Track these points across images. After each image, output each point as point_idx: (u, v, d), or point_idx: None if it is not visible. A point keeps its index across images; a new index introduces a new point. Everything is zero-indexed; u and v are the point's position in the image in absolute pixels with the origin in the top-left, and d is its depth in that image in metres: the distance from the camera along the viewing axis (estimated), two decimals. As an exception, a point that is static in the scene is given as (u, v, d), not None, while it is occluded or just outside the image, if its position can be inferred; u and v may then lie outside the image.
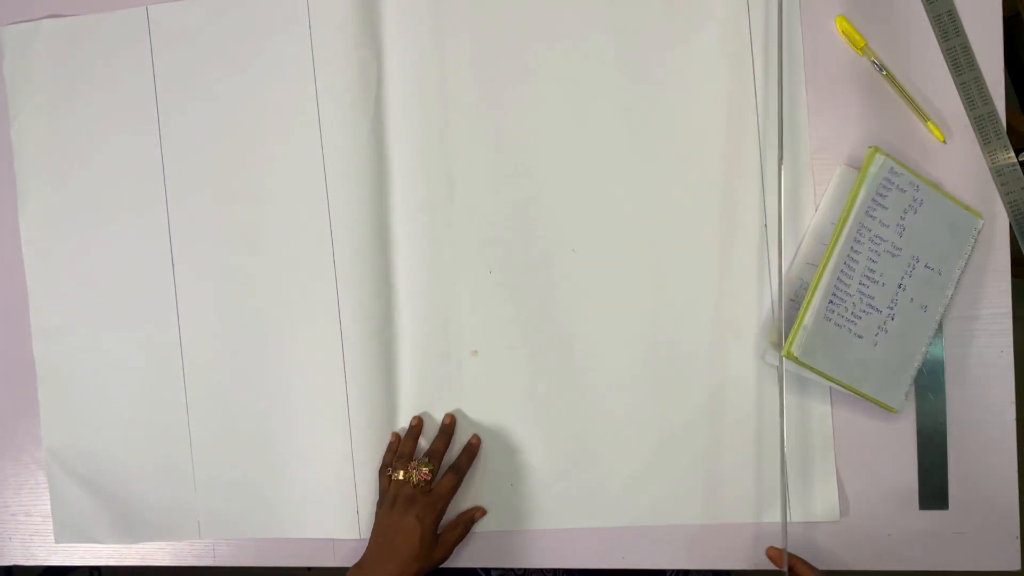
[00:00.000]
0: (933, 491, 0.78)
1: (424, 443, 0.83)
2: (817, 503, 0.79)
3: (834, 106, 0.77)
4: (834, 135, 0.77)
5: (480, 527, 0.83)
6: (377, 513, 0.79)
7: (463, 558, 0.84)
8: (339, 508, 0.85)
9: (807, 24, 0.78)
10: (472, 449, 0.81)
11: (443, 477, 0.78)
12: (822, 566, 0.79)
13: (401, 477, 0.77)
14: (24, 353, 0.90)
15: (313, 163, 0.84)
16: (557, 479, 0.82)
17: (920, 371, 0.77)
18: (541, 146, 0.81)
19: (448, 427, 0.81)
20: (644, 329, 0.80)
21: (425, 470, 0.77)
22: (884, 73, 0.76)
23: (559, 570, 0.92)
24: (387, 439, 0.84)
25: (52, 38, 0.88)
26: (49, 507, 0.91)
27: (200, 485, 0.87)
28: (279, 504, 0.86)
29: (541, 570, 0.86)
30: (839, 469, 0.79)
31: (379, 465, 0.83)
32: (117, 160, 0.88)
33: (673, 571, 0.89)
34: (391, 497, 0.77)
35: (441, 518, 0.78)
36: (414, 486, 0.77)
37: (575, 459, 0.82)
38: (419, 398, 0.84)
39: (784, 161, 0.78)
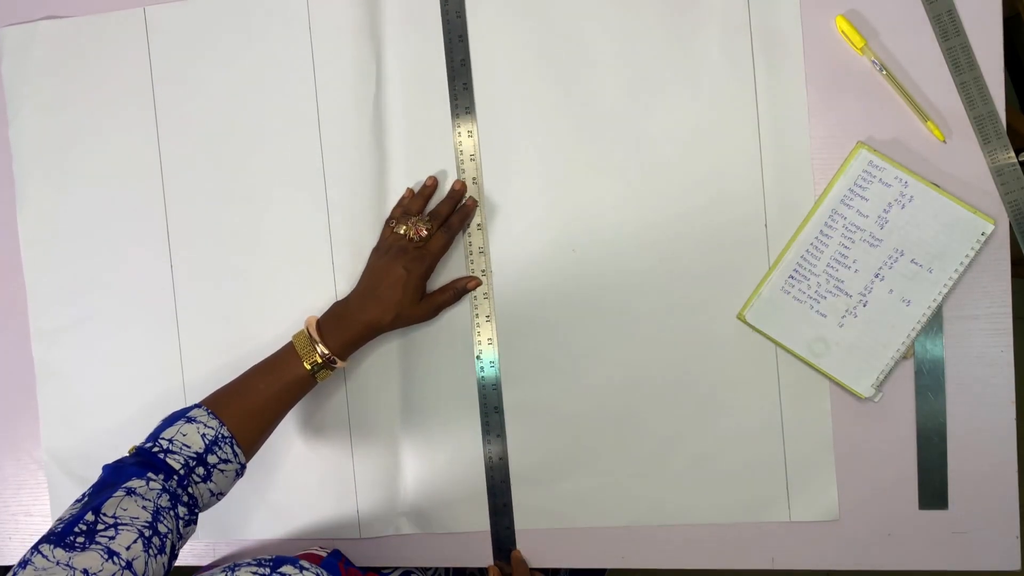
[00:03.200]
0: (933, 491, 0.78)
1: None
2: (817, 503, 0.79)
3: (834, 106, 0.77)
4: (834, 135, 0.77)
5: (479, 527, 0.83)
6: (370, 257, 0.80)
7: (463, 559, 0.84)
8: (339, 508, 0.85)
9: (807, 24, 0.77)
10: (466, 211, 0.82)
11: (434, 235, 0.79)
12: (822, 566, 0.79)
13: (401, 231, 0.78)
14: (24, 353, 0.90)
15: (313, 163, 0.84)
16: (557, 479, 0.82)
17: (920, 371, 0.77)
18: (541, 146, 0.81)
19: (456, 192, 0.82)
20: (644, 330, 0.80)
21: (424, 226, 0.78)
22: (884, 73, 0.76)
23: (560, 570, 0.92)
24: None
25: (51, 39, 0.88)
26: (49, 507, 0.91)
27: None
28: (279, 504, 0.86)
29: (541, 570, 0.86)
30: (839, 469, 0.79)
31: (379, 469, 0.83)
32: (116, 160, 0.88)
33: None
34: (387, 246, 0.79)
35: (429, 273, 0.79)
36: (409, 240, 0.78)
37: (575, 459, 0.82)
38: (421, 397, 0.84)
39: (784, 161, 0.78)
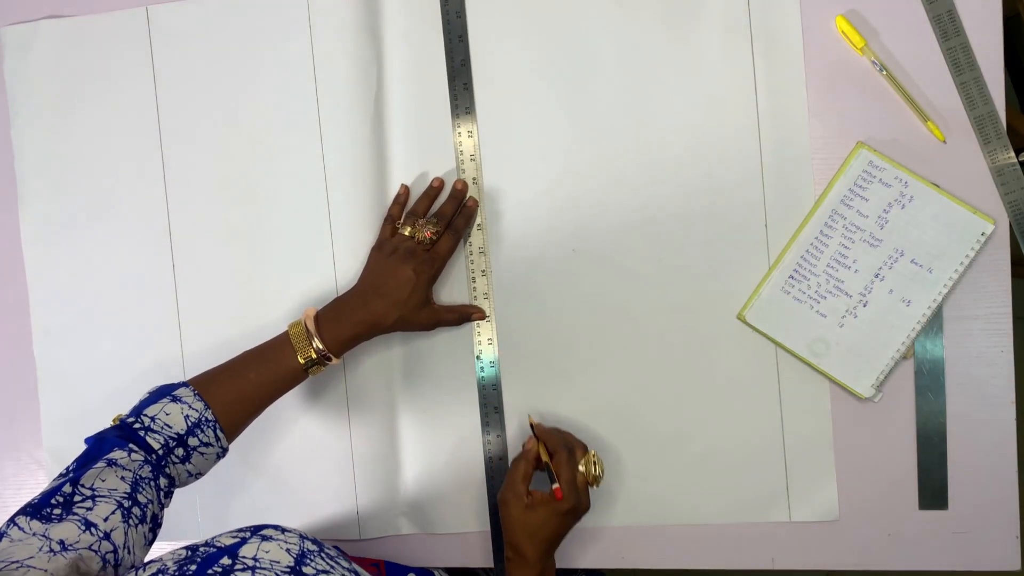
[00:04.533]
0: (933, 491, 0.78)
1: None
2: (817, 503, 0.79)
3: (834, 106, 0.77)
4: (834, 135, 0.77)
5: (479, 528, 0.83)
6: (372, 256, 0.79)
7: (463, 559, 0.84)
8: (339, 508, 0.85)
9: (807, 24, 0.78)
10: (469, 212, 0.81)
11: (442, 238, 0.78)
12: (822, 566, 0.79)
13: (407, 232, 0.78)
14: (24, 353, 0.91)
15: (313, 163, 0.84)
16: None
17: (920, 371, 0.77)
18: (541, 146, 0.82)
19: (458, 192, 0.81)
20: (644, 330, 0.81)
21: (432, 229, 0.77)
22: (884, 73, 0.76)
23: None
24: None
25: (52, 39, 0.88)
26: (49, 507, 0.91)
27: (200, 485, 0.87)
28: (278, 504, 0.86)
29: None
30: (839, 469, 0.79)
31: (379, 468, 0.83)
32: (117, 160, 0.88)
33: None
34: (392, 246, 0.78)
35: (436, 277, 0.78)
36: (418, 243, 0.77)
37: (575, 459, 0.82)
38: (421, 397, 0.84)
39: (784, 161, 0.78)
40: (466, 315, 0.81)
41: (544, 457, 0.74)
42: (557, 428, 0.78)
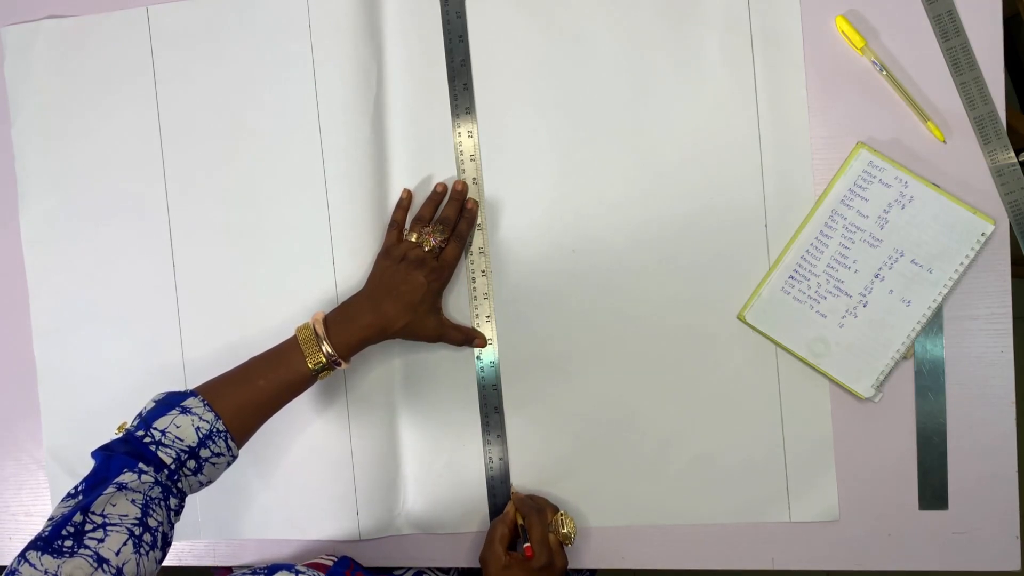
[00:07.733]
0: (933, 491, 0.78)
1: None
2: (817, 503, 0.79)
3: (834, 106, 0.77)
4: (834, 135, 0.77)
5: (479, 528, 0.83)
6: (380, 262, 0.79)
7: (463, 559, 0.84)
8: (339, 509, 0.85)
9: (807, 24, 0.78)
10: (472, 215, 0.81)
11: (448, 245, 0.78)
12: (822, 566, 0.79)
13: (415, 239, 0.78)
14: (24, 353, 0.91)
15: (313, 164, 0.84)
16: (557, 479, 0.82)
17: (920, 371, 0.77)
18: (541, 146, 0.82)
19: (459, 194, 0.81)
20: (644, 330, 0.80)
21: (440, 236, 0.77)
22: (884, 73, 0.76)
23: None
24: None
25: (53, 39, 0.88)
26: (50, 507, 0.91)
27: (200, 485, 0.87)
28: (279, 505, 0.86)
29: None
30: (839, 469, 0.79)
31: (379, 469, 0.83)
32: (117, 160, 0.88)
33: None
34: (401, 253, 0.77)
35: (445, 285, 0.79)
36: (429, 250, 0.77)
37: (575, 459, 0.82)
38: (421, 398, 0.84)
39: (784, 161, 0.78)
40: (470, 338, 0.81)
41: (519, 520, 0.78)
42: (532, 495, 0.81)
